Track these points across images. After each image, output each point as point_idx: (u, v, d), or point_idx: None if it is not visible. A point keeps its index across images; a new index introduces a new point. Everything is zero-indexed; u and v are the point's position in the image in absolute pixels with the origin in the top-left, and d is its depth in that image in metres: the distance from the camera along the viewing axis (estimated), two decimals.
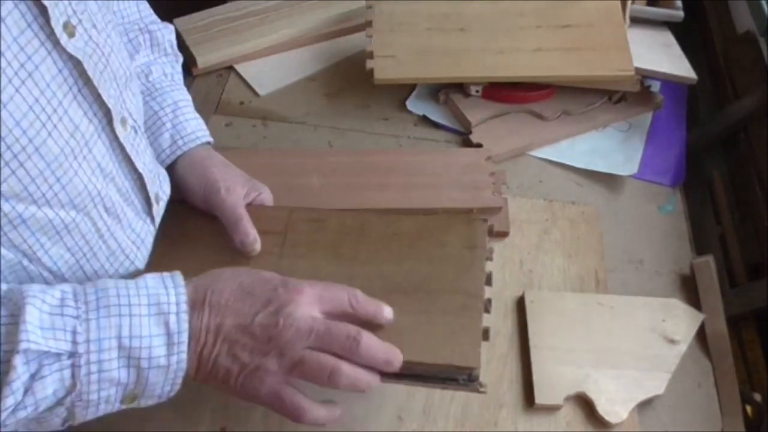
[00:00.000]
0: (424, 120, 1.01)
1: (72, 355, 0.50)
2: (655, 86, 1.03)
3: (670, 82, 1.00)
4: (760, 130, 0.90)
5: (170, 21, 1.07)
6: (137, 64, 0.77)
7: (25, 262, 0.56)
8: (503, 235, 0.87)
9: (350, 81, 1.05)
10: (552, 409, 0.74)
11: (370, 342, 0.57)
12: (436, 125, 1.01)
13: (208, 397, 0.72)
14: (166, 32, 0.80)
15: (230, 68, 1.07)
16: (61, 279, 0.59)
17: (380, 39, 0.98)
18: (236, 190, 0.72)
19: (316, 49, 1.10)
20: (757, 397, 0.77)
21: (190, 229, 0.73)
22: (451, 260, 0.68)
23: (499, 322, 0.80)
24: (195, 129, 0.76)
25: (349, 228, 0.71)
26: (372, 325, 0.60)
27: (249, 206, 0.73)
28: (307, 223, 0.72)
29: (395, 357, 0.58)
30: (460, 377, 0.62)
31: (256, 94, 1.04)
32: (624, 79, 0.96)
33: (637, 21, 1.01)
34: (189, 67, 1.06)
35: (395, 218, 0.72)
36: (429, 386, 0.64)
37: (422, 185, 0.88)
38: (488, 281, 0.67)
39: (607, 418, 0.72)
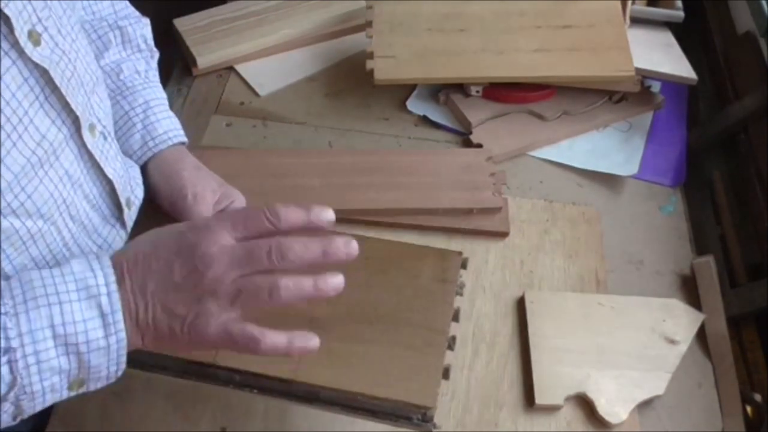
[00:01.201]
0: (425, 120, 1.01)
1: (6, 351, 0.48)
2: (656, 86, 1.03)
3: (670, 83, 1.00)
4: (760, 130, 0.90)
5: (170, 21, 1.08)
6: (106, 62, 0.75)
7: None
8: (503, 235, 0.87)
9: (350, 81, 1.05)
10: (552, 409, 0.74)
11: (295, 244, 0.52)
12: (437, 125, 1.01)
13: (208, 397, 0.72)
14: (138, 27, 0.77)
15: (230, 68, 1.07)
16: None
17: (380, 39, 0.98)
18: (205, 197, 0.70)
19: (316, 50, 1.10)
20: (758, 397, 0.77)
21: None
22: (421, 292, 0.66)
23: (500, 322, 0.80)
24: (167, 129, 0.74)
25: None
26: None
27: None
28: None
29: (335, 243, 0.53)
30: (415, 416, 0.61)
31: (256, 94, 1.04)
32: (624, 80, 0.96)
33: (637, 21, 1.01)
34: (189, 67, 1.06)
35: (368, 242, 0.69)
36: (379, 422, 0.62)
37: (422, 185, 0.88)
38: (455, 317, 0.66)
39: (607, 418, 0.72)
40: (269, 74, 1.07)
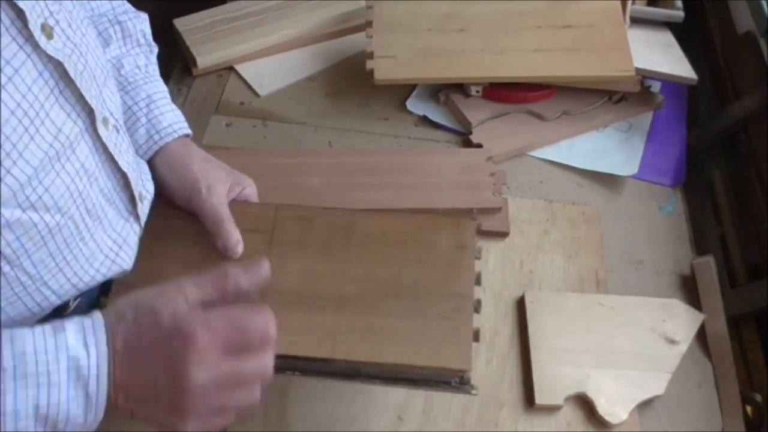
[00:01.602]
0: (425, 120, 1.01)
1: None
2: (656, 86, 1.03)
3: (670, 83, 1.00)
4: (760, 130, 0.90)
5: (170, 21, 1.08)
6: (108, 58, 0.75)
7: (6, 267, 0.55)
8: (503, 235, 0.87)
9: (350, 81, 1.05)
10: (552, 409, 0.74)
11: (252, 325, 0.52)
12: (437, 125, 1.01)
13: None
14: (138, 22, 0.77)
15: (230, 68, 1.07)
16: (41, 283, 0.58)
17: (380, 39, 0.98)
18: (218, 188, 0.70)
19: (316, 50, 1.10)
20: (758, 397, 0.77)
21: (176, 227, 0.71)
22: (441, 261, 0.67)
23: (500, 322, 0.80)
24: (171, 122, 0.73)
25: (337, 227, 0.70)
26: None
27: (233, 203, 0.71)
28: (294, 221, 0.71)
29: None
30: (452, 380, 0.62)
31: (256, 94, 1.04)
32: (624, 80, 0.96)
33: (637, 21, 1.01)
34: (189, 67, 1.06)
35: (383, 217, 0.71)
36: (421, 389, 0.64)
37: (422, 185, 0.88)
38: (477, 281, 0.66)
39: (607, 418, 0.72)
40: (269, 74, 1.06)
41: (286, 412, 0.72)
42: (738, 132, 0.96)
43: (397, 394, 0.74)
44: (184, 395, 0.51)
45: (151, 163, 0.73)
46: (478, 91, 1.00)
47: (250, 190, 0.73)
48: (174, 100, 1.01)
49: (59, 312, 0.62)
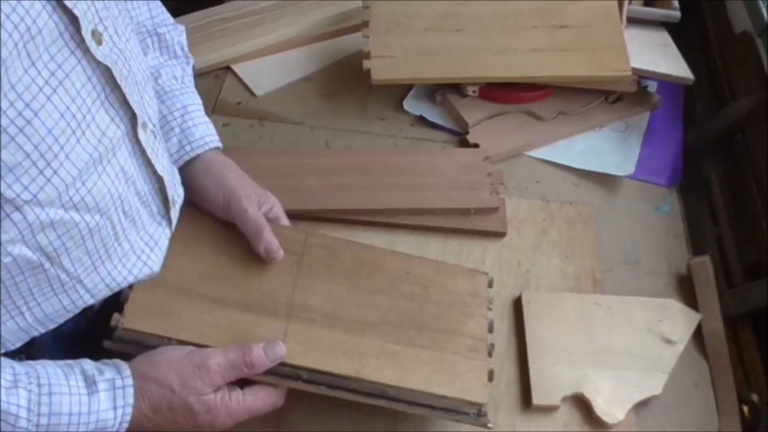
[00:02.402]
0: (421, 120, 1.01)
1: None
2: (652, 86, 1.03)
3: (667, 83, 1.00)
4: (757, 130, 0.90)
5: None
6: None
7: (47, 264, 0.57)
8: (500, 235, 0.87)
9: (347, 81, 1.05)
10: (549, 409, 0.74)
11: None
12: (433, 125, 1.01)
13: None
14: (176, 34, 0.79)
15: (227, 68, 1.07)
16: (77, 281, 0.60)
17: (377, 39, 0.98)
18: (252, 200, 0.73)
19: (313, 50, 1.10)
20: (754, 397, 0.77)
21: (205, 234, 0.73)
22: (457, 305, 0.72)
23: (497, 322, 0.80)
24: (204, 134, 0.76)
25: (364, 260, 0.74)
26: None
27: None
28: (321, 249, 0.74)
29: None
30: (471, 411, 0.66)
31: (253, 94, 1.04)
32: (621, 80, 0.96)
33: (633, 21, 1.01)
34: None
35: (408, 259, 0.75)
36: (439, 416, 0.67)
37: (419, 185, 0.88)
38: (491, 328, 0.71)
39: (604, 418, 0.72)
40: (266, 74, 1.06)
41: (286, 412, 0.72)
42: (735, 132, 0.96)
43: None
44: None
45: (186, 169, 0.75)
46: (474, 91, 1.00)
47: (279, 210, 0.76)
48: None
49: (85, 312, 0.64)
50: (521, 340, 0.78)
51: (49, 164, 0.52)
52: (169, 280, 0.67)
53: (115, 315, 0.64)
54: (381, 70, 0.96)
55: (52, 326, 0.62)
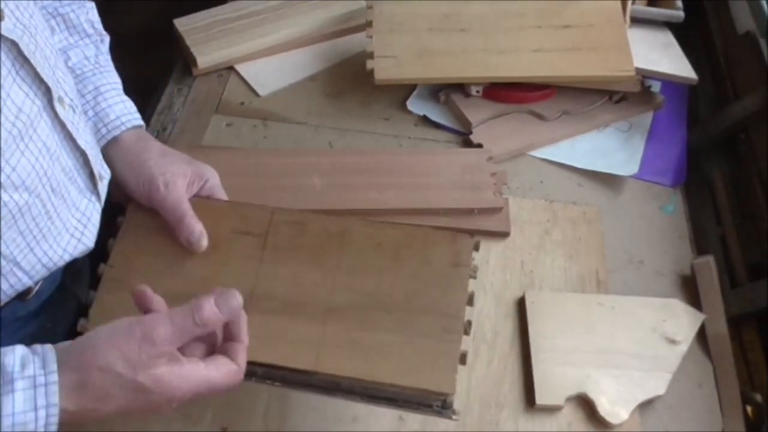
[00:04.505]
0: (425, 120, 1.01)
1: None
2: (656, 86, 1.03)
3: (670, 83, 1.00)
4: (760, 130, 0.90)
5: (170, 21, 1.08)
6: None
7: None
8: (504, 235, 0.87)
9: (351, 81, 1.05)
10: (553, 409, 0.74)
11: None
12: (437, 125, 1.01)
13: (208, 398, 0.72)
14: (82, 12, 0.75)
15: (231, 68, 1.07)
16: (14, 263, 0.59)
17: (381, 39, 0.98)
18: (177, 183, 0.69)
19: (316, 50, 1.10)
20: (758, 397, 0.77)
21: (159, 229, 0.69)
22: (434, 278, 0.66)
23: (500, 322, 0.80)
24: (119, 114, 0.72)
25: (332, 234, 0.69)
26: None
27: (231, 203, 0.70)
28: (288, 226, 0.69)
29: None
30: (434, 403, 0.61)
31: (256, 94, 1.04)
32: (624, 80, 0.96)
33: (637, 21, 1.01)
34: (189, 67, 1.06)
35: (379, 227, 0.69)
36: (401, 410, 0.62)
37: (423, 185, 0.88)
38: (470, 301, 0.65)
39: (608, 418, 0.72)
40: (269, 74, 1.06)
41: (287, 411, 0.72)
42: (738, 132, 0.96)
43: None
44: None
45: (107, 156, 0.71)
46: (478, 91, 1.00)
47: (213, 182, 0.72)
48: (174, 100, 1.02)
49: (22, 296, 0.63)
50: (525, 340, 0.78)
51: None
52: (132, 281, 0.63)
53: (81, 320, 0.63)
54: (384, 70, 0.96)
55: None
